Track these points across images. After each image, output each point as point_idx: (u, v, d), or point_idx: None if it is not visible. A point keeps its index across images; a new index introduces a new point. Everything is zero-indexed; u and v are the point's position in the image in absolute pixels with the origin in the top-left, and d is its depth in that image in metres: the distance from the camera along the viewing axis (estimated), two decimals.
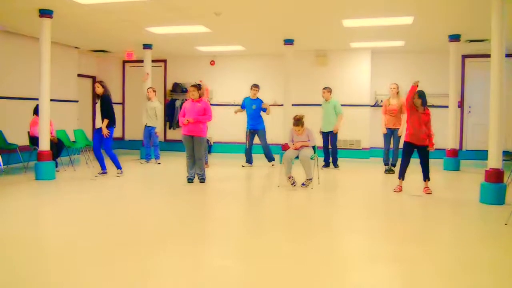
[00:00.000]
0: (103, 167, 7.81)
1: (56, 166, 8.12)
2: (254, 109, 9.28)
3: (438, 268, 3.50)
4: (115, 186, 7.20)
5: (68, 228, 4.64)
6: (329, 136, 9.28)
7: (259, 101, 9.35)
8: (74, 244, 4.08)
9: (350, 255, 3.91)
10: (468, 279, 3.30)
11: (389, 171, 8.59)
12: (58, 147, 8.53)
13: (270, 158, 9.52)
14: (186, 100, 7.89)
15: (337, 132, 9.27)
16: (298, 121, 6.93)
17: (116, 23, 8.34)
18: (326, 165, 9.35)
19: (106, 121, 7.52)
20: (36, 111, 8.07)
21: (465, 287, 3.17)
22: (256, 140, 9.45)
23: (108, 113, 7.58)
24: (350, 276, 3.37)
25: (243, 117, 9.63)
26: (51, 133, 8.03)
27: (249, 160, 9.49)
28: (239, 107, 9.71)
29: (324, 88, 9.38)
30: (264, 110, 9.27)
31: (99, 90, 7.60)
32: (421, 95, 6.41)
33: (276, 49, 10.60)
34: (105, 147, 7.66)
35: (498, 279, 3.35)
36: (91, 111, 12.97)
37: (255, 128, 9.34)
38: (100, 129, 7.55)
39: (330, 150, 9.38)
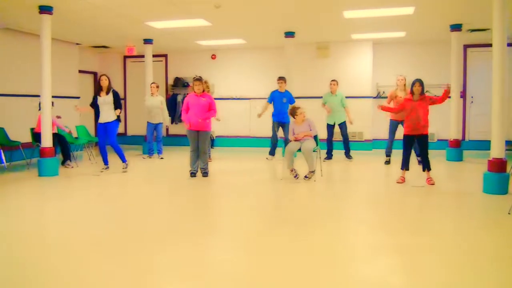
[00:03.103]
0: (105, 162, 7.85)
1: (70, 160, 8.60)
2: (284, 103, 9.05)
3: (441, 258, 3.51)
4: (118, 181, 7.22)
5: (72, 224, 4.66)
6: (340, 128, 9.25)
7: (288, 94, 9.17)
8: (78, 239, 4.10)
9: (354, 246, 3.91)
10: (472, 269, 3.31)
11: (389, 162, 8.60)
12: (63, 143, 8.59)
13: None
14: (188, 94, 7.87)
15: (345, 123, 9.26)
16: (297, 110, 7.00)
17: (116, 18, 8.32)
18: (329, 157, 9.34)
19: (119, 111, 7.63)
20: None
21: (469, 277, 3.18)
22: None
23: (120, 104, 7.72)
24: (354, 268, 3.38)
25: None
26: (61, 128, 8.43)
27: (273, 152, 9.38)
28: (265, 105, 9.37)
29: (332, 81, 9.30)
30: (293, 101, 9.04)
31: (105, 83, 7.59)
32: (422, 83, 6.44)
33: (277, 42, 10.57)
34: (111, 141, 7.69)
35: (502, 268, 3.36)
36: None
37: (284, 121, 9.04)
38: (107, 123, 7.57)
39: (342, 142, 9.34)
